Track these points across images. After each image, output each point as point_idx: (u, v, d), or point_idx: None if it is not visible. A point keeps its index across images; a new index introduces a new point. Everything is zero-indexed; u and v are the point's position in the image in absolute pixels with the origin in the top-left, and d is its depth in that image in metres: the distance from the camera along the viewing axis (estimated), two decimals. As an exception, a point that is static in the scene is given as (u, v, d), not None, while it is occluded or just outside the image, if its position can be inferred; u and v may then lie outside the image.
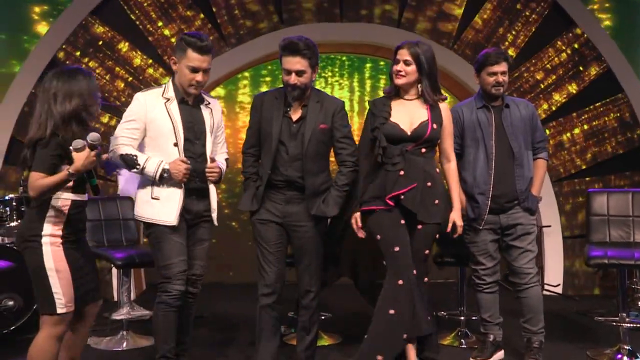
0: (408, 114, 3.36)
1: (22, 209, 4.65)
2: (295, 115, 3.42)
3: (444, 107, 3.43)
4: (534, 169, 3.84)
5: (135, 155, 3.19)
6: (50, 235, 2.81)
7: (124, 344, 4.18)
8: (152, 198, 3.23)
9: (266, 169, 3.41)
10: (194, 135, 3.30)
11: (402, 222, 3.32)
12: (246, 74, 6.61)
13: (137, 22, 5.81)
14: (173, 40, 5.77)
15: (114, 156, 3.23)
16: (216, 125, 3.44)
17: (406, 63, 3.30)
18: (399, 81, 3.33)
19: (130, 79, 5.80)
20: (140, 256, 4.39)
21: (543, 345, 3.76)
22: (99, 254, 4.45)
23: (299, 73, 3.32)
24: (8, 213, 4.65)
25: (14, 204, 4.66)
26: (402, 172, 3.30)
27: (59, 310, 2.79)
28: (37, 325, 4.36)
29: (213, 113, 3.42)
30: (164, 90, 3.29)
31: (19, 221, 4.63)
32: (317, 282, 3.54)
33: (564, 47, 6.15)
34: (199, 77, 3.21)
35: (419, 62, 3.29)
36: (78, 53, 5.71)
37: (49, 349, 2.85)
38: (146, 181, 3.28)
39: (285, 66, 3.34)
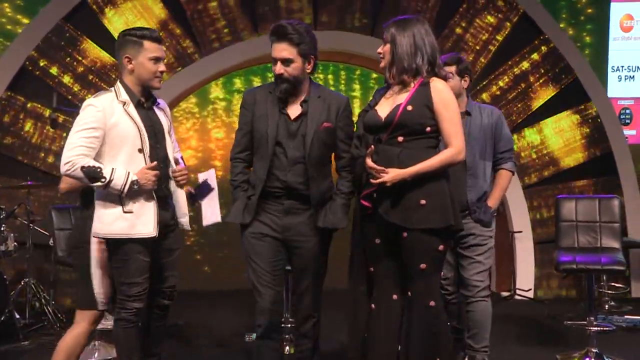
0: (391, 100, 2.90)
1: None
2: (293, 113, 3.04)
3: (436, 86, 2.84)
4: (496, 180, 3.65)
5: (100, 167, 2.86)
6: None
7: (96, 354, 4.14)
8: (125, 212, 2.93)
9: (261, 176, 3.02)
10: (155, 140, 3.04)
11: (378, 240, 2.88)
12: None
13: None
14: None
15: (71, 169, 2.89)
16: (170, 125, 3.19)
17: (384, 43, 2.92)
18: (381, 64, 2.95)
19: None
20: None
21: None
22: (69, 264, 4.35)
23: (286, 62, 2.95)
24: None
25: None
26: None
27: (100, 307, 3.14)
28: (8, 335, 4.41)
29: (166, 113, 3.18)
30: (117, 94, 2.99)
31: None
32: (319, 305, 3.19)
33: (533, 57, 6.25)
34: (162, 66, 3.02)
35: (393, 40, 2.87)
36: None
37: (83, 342, 3.21)
38: (111, 195, 2.93)
39: (272, 54, 2.99)
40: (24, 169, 5.48)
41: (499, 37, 6.22)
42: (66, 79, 5.69)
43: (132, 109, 2.98)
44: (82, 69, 5.73)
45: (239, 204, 3.10)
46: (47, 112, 5.39)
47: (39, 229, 5.06)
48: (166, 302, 3.21)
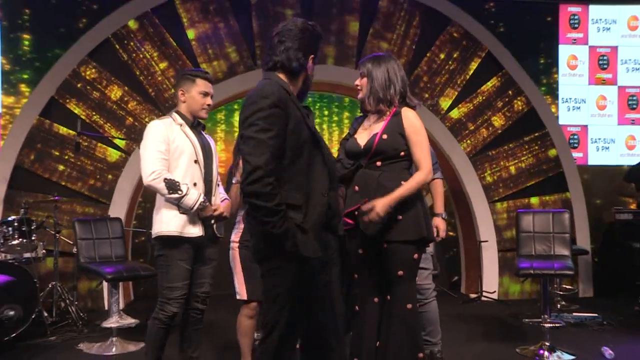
0: (369, 128, 2.88)
1: (23, 228, 4.64)
2: None
3: (407, 115, 2.83)
4: (434, 189, 3.61)
5: (178, 182, 2.96)
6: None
7: (113, 349, 4.14)
8: (181, 213, 3.01)
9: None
10: (206, 156, 3.16)
11: (361, 251, 2.84)
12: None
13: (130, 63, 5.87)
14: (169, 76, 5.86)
15: (157, 179, 2.98)
16: (216, 155, 3.30)
17: (361, 76, 2.91)
18: (359, 95, 2.93)
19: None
20: (127, 271, 4.37)
21: (443, 355, 3.52)
22: (91, 269, 4.45)
23: None
24: (10, 232, 4.63)
25: (16, 224, 4.65)
26: (356, 188, 2.80)
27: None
28: (38, 332, 4.39)
29: (211, 144, 3.28)
30: (173, 119, 3.16)
31: (20, 239, 4.62)
32: None
33: (495, 88, 6.35)
34: (209, 100, 3.18)
35: (369, 74, 2.87)
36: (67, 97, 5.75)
37: (246, 324, 3.40)
38: (168, 204, 3.03)
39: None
40: (51, 186, 5.50)
41: (467, 71, 6.33)
42: (88, 109, 5.72)
43: (187, 129, 3.14)
44: (101, 98, 5.76)
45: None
46: (73, 135, 5.41)
47: (64, 239, 5.11)
48: (200, 307, 3.23)
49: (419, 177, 2.77)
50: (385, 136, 2.77)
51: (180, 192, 2.95)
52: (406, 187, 2.73)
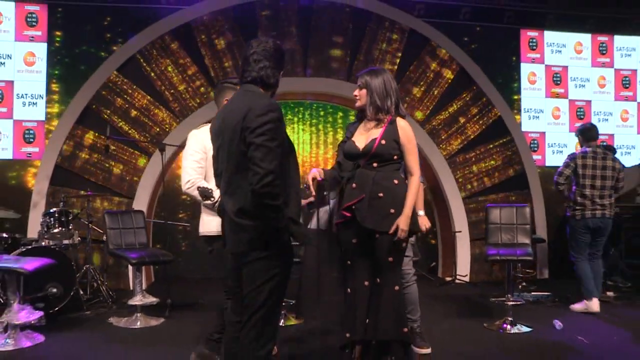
0: (366, 133, 2.87)
1: (62, 219, 4.68)
2: None
3: (401, 124, 2.85)
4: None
5: (211, 189, 2.85)
6: None
7: (138, 323, 4.20)
8: (218, 216, 2.90)
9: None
10: None
11: (355, 240, 2.83)
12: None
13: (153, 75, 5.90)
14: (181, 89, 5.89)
15: (191, 187, 2.97)
16: None
17: (360, 87, 2.89)
18: (357, 104, 2.92)
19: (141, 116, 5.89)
20: (149, 256, 4.41)
21: (422, 329, 3.51)
22: (118, 255, 4.49)
23: None
24: (52, 222, 4.67)
25: (56, 215, 4.69)
26: (354, 185, 2.81)
27: None
28: (76, 307, 4.45)
29: None
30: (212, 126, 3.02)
31: (60, 228, 4.66)
32: None
33: (467, 100, 6.40)
34: None
35: (368, 86, 2.86)
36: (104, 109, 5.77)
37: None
38: (206, 208, 3.01)
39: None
40: (85, 183, 5.54)
41: (445, 85, 6.38)
42: (115, 116, 5.76)
43: None
44: (127, 107, 5.80)
45: None
46: (103, 139, 5.46)
47: (96, 228, 5.14)
48: None
49: (414, 182, 2.83)
50: (383, 142, 2.80)
51: (212, 199, 2.87)
52: (411, 197, 2.79)
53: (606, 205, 4.59)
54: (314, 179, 2.78)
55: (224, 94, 3.00)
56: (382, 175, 2.80)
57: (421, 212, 3.36)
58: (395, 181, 2.80)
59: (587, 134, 4.74)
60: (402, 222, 2.74)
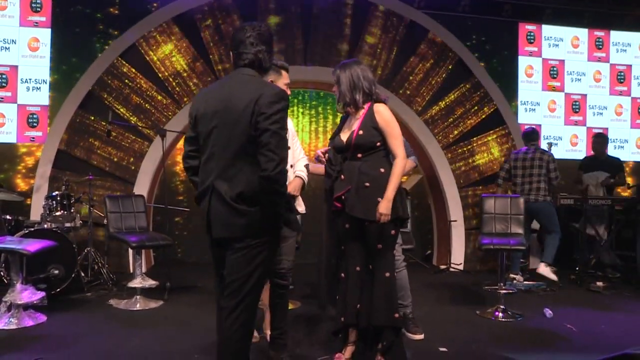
0: (349, 126, 2.88)
1: (64, 202, 4.67)
2: None
3: (379, 109, 2.81)
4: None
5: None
6: None
7: (137, 305, 4.22)
8: None
9: None
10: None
11: (347, 225, 2.84)
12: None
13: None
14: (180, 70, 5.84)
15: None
16: (293, 135, 3.07)
17: (335, 83, 2.91)
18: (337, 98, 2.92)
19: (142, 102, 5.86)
20: (149, 240, 4.40)
21: (413, 314, 3.51)
22: (119, 238, 4.48)
23: None
24: (54, 205, 4.66)
25: (59, 198, 4.69)
26: (342, 177, 2.82)
27: None
28: (77, 288, 4.44)
29: (290, 128, 3.00)
30: None
31: (62, 211, 4.65)
32: None
33: (466, 92, 6.38)
34: (289, 91, 2.92)
35: (338, 81, 2.87)
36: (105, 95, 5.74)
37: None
38: None
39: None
40: (87, 167, 5.53)
41: (443, 76, 6.36)
42: (117, 102, 5.73)
43: None
44: (128, 91, 5.77)
45: None
46: (105, 125, 5.43)
47: (97, 211, 5.13)
48: (281, 282, 2.93)
49: (397, 167, 2.77)
50: (361, 132, 2.77)
51: None
52: (393, 181, 2.73)
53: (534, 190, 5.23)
54: (324, 152, 2.86)
55: (268, 76, 2.81)
56: (368, 165, 2.78)
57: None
58: (382, 170, 2.77)
59: (528, 136, 5.57)
60: (382, 206, 2.70)
